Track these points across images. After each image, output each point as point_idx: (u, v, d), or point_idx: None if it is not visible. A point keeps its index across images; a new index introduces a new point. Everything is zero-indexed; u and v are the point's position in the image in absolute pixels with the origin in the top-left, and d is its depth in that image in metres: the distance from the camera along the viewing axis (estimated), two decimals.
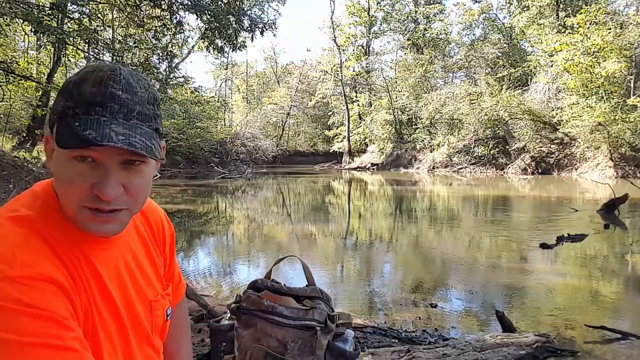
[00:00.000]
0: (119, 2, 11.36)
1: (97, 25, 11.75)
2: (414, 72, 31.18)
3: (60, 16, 9.28)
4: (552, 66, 22.25)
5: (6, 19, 8.12)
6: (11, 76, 10.08)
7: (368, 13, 37.37)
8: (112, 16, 14.99)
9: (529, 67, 25.54)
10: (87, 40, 9.09)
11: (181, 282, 0.99)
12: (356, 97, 37.64)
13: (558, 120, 20.80)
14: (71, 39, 9.03)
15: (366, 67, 38.03)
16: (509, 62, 28.56)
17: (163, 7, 11.51)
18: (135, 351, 0.74)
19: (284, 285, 1.25)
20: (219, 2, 11.54)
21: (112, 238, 0.71)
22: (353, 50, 39.41)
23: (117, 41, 12.92)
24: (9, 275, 0.55)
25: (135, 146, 0.61)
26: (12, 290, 0.54)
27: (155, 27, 12.36)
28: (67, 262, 0.62)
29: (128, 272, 0.75)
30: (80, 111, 0.62)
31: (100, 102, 0.62)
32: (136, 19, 11.94)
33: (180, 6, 11.59)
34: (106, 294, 0.69)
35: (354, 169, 30.91)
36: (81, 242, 0.66)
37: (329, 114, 40.64)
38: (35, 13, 8.25)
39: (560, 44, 19.71)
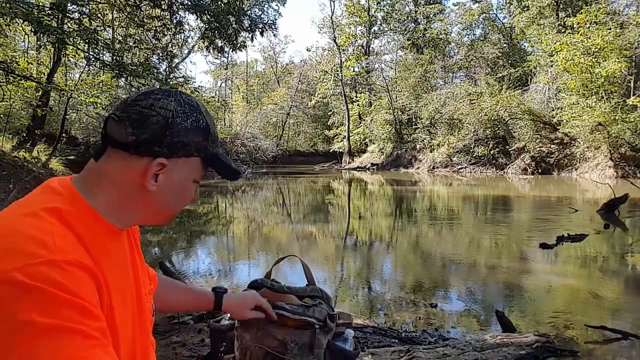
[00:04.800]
0: (119, 2, 11.37)
1: (97, 25, 11.73)
2: (414, 72, 31.18)
3: (60, 16, 9.27)
4: (552, 66, 22.26)
5: (6, 19, 8.11)
6: (11, 76, 10.06)
7: (368, 13, 37.37)
8: (112, 16, 14.98)
9: (529, 67, 25.54)
10: (87, 40, 9.07)
11: (151, 273, 1.03)
12: (356, 97, 37.63)
13: (558, 120, 20.79)
14: (71, 39, 9.01)
15: (366, 67, 38.03)
16: (509, 62, 28.56)
17: (163, 7, 11.52)
18: (142, 341, 0.78)
19: (284, 285, 1.25)
20: (219, 2, 11.54)
21: (121, 231, 0.76)
22: (353, 50, 39.42)
23: (117, 41, 12.91)
24: (49, 259, 0.58)
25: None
26: (51, 272, 0.57)
27: (155, 27, 12.36)
28: (92, 252, 0.66)
29: (132, 262, 0.80)
30: (217, 149, 0.80)
31: (218, 140, 0.82)
32: (136, 19, 11.94)
33: (180, 6, 11.60)
34: (121, 286, 0.73)
35: (354, 169, 30.91)
36: (101, 236, 0.70)
37: (329, 114, 40.64)
38: (35, 13, 8.24)
39: (560, 44, 19.71)
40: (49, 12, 8.83)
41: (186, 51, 26.08)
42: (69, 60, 13.28)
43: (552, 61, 21.74)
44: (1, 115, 13.32)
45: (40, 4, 10.00)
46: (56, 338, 0.54)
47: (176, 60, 20.92)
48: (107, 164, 0.72)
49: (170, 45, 16.63)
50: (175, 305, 1.15)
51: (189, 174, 0.77)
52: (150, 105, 0.72)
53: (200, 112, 0.76)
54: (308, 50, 54.22)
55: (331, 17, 37.44)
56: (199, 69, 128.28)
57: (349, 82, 37.99)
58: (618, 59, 17.94)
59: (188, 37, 23.61)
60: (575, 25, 19.51)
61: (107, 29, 15.21)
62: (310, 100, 40.79)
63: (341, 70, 35.74)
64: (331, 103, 40.28)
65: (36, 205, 0.65)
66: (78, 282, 0.59)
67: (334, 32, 37.05)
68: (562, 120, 20.22)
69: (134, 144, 0.70)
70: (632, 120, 17.78)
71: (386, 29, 38.76)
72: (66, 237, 0.63)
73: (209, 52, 13.43)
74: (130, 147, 0.70)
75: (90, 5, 11.08)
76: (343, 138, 35.73)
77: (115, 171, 0.71)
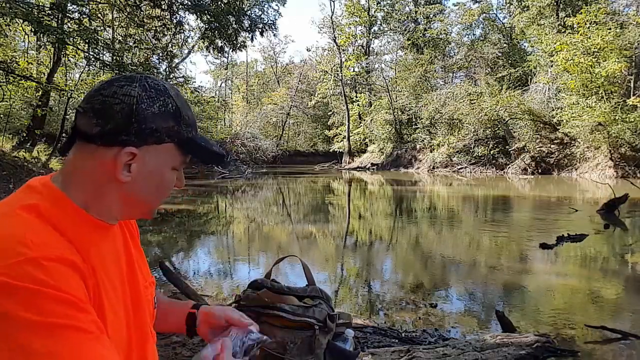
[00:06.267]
0: (119, 2, 11.37)
1: (97, 25, 11.75)
2: (414, 72, 31.18)
3: (60, 16, 9.28)
4: (552, 66, 22.26)
5: (6, 19, 8.12)
6: (11, 76, 10.08)
7: (368, 13, 37.37)
8: (112, 16, 14.99)
9: (529, 67, 25.54)
10: (87, 40, 9.08)
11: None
12: (356, 97, 37.64)
13: (558, 120, 20.80)
14: (71, 39, 9.02)
15: (366, 67, 38.03)
16: (509, 62, 28.56)
17: (163, 7, 11.52)
18: (137, 333, 0.77)
19: (284, 285, 1.25)
20: (219, 2, 11.54)
21: (111, 225, 0.74)
22: (353, 50, 39.41)
23: (117, 41, 12.92)
24: (29, 257, 0.57)
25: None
26: (33, 270, 0.56)
27: (155, 27, 12.37)
28: (78, 246, 0.65)
29: (126, 257, 0.79)
30: (193, 133, 0.76)
31: (195, 123, 0.78)
32: (136, 19, 11.94)
33: (180, 6, 11.60)
34: (112, 278, 0.72)
35: (354, 169, 30.91)
36: (86, 229, 0.69)
37: (329, 114, 40.64)
38: (35, 13, 8.25)
39: (560, 44, 19.71)
40: (49, 12, 8.85)
41: (186, 51, 26.10)
42: (69, 60, 13.29)
43: (552, 61, 21.75)
44: (1, 115, 13.33)
45: (40, 4, 10.01)
46: (52, 335, 0.53)
47: (176, 60, 20.91)
48: (80, 157, 0.70)
49: (170, 45, 16.63)
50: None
51: (164, 162, 0.73)
52: (113, 93, 0.69)
53: (169, 96, 0.72)
54: (308, 50, 54.29)
55: (331, 17, 37.44)
56: (199, 69, 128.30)
57: (349, 82, 37.99)
58: (618, 59, 17.94)
59: (188, 37, 23.65)
60: (575, 25, 19.51)
61: (107, 29, 15.22)
62: (310, 100, 40.78)
63: (341, 70, 35.74)
64: (331, 103, 40.28)
65: (13, 204, 0.65)
66: (62, 277, 0.58)
67: (334, 32, 37.05)
68: (562, 120, 20.23)
69: (99, 135, 0.68)
70: (632, 120, 17.78)
71: (386, 29, 38.77)
72: (46, 233, 0.62)
73: (209, 52, 13.45)
74: (96, 138, 0.68)
75: (90, 5, 11.09)
76: (343, 138, 35.73)
77: (88, 164, 0.69)
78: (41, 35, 8.54)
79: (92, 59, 9.86)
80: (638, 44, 19.09)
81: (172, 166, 0.75)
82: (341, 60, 36.30)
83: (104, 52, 11.03)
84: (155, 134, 0.70)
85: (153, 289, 0.87)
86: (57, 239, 0.63)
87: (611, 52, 18.23)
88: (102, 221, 0.72)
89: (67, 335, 0.54)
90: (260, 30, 12.40)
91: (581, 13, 19.46)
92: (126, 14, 12.11)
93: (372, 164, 30.15)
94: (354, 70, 38.41)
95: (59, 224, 0.65)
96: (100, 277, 0.67)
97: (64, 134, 12.82)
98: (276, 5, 25.96)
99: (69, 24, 9.83)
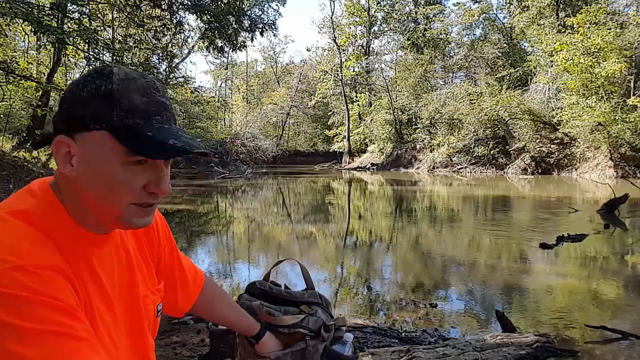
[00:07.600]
0: (119, 2, 11.37)
1: (97, 25, 11.76)
2: (414, 72, 31.16)
3: (60, 16, 9.28)
4: (552, 66, 22.25)
5: (6, 19, 8.12)
6: (11, 76, 10.08)
7: (368, 13, 37.36)
8: (112, 16, 14.98)
9: (529, 67, 25.53)
10: (87, 40, 9.08)
11: (197, 276, 1.01)
12: (356, 97, 37.62)
13: (558, 120, 20.80)
14: (71, 39, 9.03)
15: (366, 67, 38.02)
16: (509, 62, 28.55)
17: (163, 7, 11.52)
18: (131, 345, 0.75)
19: (284, 287, 1.24)
20: (219, 2, 11.55)
21: (108, 235, 0.72)
22: (353, 50, 39.40)
23: (117, 41, 12.92)
24: (19, 265, 0.55)
25: (199, 147, 0.66)
26: (23, 278, 0.54)
27: (155, 27, 12.37)
28: (67, 256, 0.63)
29: (123, 268, 0.76)
30: (141, 121, 0.64)
31: (156, 111, 0.66)
32: (136, 19, 11.94)
33: (180, 6, 11.60)
34: (103, 289, 0.69)
35: (354, 169, 30.91)
36: (78, 239, 0.67)
37: (329, 114, 40.63)
38: (35, 13, 8.25)
39: (560, 44, 19.71)
40: (49, 12, 8.85)
41: (186, 51, 26.12)
42: (69, 60, 13.29)
43: (552, 61, 21.74)
44: (1, 115, 13.33)
45: (40, 4, 10.00)
46: (46, 343, 0.52)
47: (176, 60, 20.92)
48: None
49: (170, 45, 16.63)
50: (217, 318, 1.11)
51: (102, 153, 0.64)
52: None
53: (109, 78, 0.64)
54: (308, 50, 54.28)
55: (331, 17, 37.42)
56: (199, 69, 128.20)
57: (349, 82, 37.97)
58: (618, 59, 17.93)
59: (188, 37, 23.65)
60: (575, 25, 19.51)
61: (107, 29, 15.21)
62: (310, 100, 40.78)
63: (341, 70, 35.72)
64: (331, 103, 40.26)
65: (4, 209, 0.63)
66: (55, 285, 0.57)
67: (334, 32, 37.03)
68: (562, 120, 20.22)
69: (53, 128, 0.66)
70: (632, 120, 17.78)
71: (386, 29, 38.76)
72: (35, 240, 0.60)
73: (209, 52, 13.46)
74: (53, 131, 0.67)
75: (90, 5, 11.10)
76: (343, 138, 35.72)
77: None
78: (41, 35, 8.55)
79: (92, 59, 9.87)
80: (638, 44, 19.08)
81: (119, 161, 0.64)
82: (341, 60, 36.28)
83: (104, 52, 11.04)
84: (81, 119, 0.64)
85: (156, 297, 0.84)
86: (47, 246, 0.61)
87: (611, 52, 18.22)
88: (89, 231, 0.69)
89: (61, 343, 0.53)
90: (260, 30, 12.41)
91: (581, 13, 19.44)
92: (126, 14, 12.10)
93: (372, 164, 30.14)
94: (354, 70, 38.40)
95: (49, 231, 0.63)
96: (90, 285, 0.66)
97: None
98: (276, 5, 25.93)
99: (69, 24, 9.83)
